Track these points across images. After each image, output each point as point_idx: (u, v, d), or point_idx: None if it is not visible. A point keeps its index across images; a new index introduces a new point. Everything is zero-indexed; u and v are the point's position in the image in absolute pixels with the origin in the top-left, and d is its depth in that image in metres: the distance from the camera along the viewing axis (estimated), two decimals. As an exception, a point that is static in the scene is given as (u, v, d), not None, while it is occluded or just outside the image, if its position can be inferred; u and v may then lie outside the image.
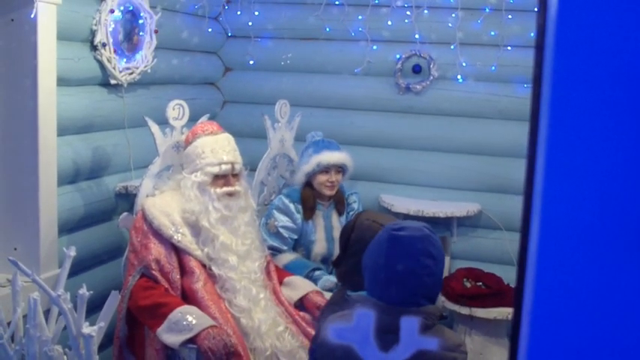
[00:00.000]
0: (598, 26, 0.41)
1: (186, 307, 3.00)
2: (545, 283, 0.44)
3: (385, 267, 2.28)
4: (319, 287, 3.63)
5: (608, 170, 0.42)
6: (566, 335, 0.44)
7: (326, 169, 3.98)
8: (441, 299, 4.31)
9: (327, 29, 4.81)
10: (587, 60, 0.41)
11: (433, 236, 2.32)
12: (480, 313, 4.14)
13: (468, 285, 4.24)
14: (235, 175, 3.33)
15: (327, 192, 4.01)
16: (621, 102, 0.42)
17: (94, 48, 3.54)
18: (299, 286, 3.53)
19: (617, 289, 0.43)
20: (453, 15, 4.58)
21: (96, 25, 3.50)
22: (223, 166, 3.27)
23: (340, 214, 4.12)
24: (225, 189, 3.27)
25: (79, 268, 3.44)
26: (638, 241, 0.43)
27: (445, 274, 4.52)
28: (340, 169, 4.04)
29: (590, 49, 0.42)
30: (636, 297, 0.43)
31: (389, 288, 2.27)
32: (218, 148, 3.30)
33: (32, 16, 2.98)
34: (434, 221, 4.62)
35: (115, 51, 3.61)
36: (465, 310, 4.16)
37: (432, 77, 4.67)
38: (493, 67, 4.57)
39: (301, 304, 3.47)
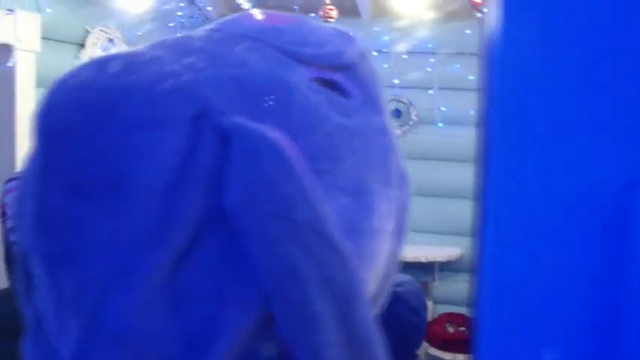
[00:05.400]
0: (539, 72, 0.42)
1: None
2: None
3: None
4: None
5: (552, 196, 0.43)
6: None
7: None
8: (425, 345, 4.27)
9: (308, 75, 4.83)
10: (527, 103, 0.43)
11: (420, 287, 2.34)
12: (463, 358, 4.10)
13: (451, 330, 4.21)
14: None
15: None
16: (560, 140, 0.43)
17: (73, 95, 3.53)
18: None
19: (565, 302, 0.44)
20: (432, 60, 4.63)
21: (75, 72, 3.50)
22: None
23: None
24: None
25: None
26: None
27: (428, 319, 4.49)
28: None
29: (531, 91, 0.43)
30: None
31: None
32: None
33: (10, 65, 2.98)
34: (415, 265, 4.61)
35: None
36: (448, 356, 4.13)
37: (411, 122, 4.70)
38: (472, 112, 4.61)
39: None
